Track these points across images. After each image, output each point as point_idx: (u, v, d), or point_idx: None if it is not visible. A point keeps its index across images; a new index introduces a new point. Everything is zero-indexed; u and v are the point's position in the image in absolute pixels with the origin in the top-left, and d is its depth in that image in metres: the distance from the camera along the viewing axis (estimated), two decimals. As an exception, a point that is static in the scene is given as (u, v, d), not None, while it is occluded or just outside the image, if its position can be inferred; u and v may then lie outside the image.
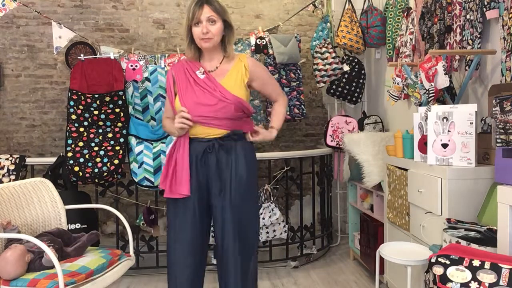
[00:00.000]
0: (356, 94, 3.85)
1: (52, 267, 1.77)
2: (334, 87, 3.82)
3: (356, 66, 3.81)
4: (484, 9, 2.17)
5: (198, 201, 1.89)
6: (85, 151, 3.20)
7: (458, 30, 2.40)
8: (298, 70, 3.90)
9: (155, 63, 3.54)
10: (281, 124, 2.06)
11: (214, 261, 2.02)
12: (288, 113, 3.87)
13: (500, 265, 1.33)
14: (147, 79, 3.33)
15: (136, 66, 3.37)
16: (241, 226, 1.89)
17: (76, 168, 3.12)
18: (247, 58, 1.99)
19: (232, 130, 1.89)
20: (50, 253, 1.75)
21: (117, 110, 3.30)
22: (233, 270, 1.89)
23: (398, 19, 3.34)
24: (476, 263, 1.37)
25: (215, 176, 1.88)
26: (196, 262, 1.91)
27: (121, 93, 3.29)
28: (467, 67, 2.40)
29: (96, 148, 3.23)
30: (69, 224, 2.95)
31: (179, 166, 1.87)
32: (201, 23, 1.81)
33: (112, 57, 3.38)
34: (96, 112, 3.29)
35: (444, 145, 2.03)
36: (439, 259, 1.43)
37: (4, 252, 1.83)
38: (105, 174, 3.13)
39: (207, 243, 2.00)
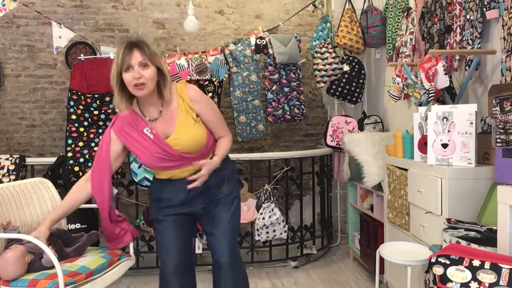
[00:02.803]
0: (356, 94, 3.85)
1: (52, 267, 1.77)
2: (334, 87, 3.82)
3: (356, 66, 3.81)
4: (484, 9, 2.17)
5: (185, 219, 1.94)
6: (85, 151, 3.20)
7: (458, 30, 2.40)
8: (298, 70, 3.90)
9: (155, 63, 3.54)
10: (224, 153, 1.90)
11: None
12: (288, 113, 3.87)
13: (500, 265, 1.33)
14: (147, 79, 3.33)
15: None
16: (232, 222, 1.93)
17: (76, 168, 3.12)
18: (187, 91, 1.82)
19: (208, 157, 1.89)
20: (50, 254, 1.74)
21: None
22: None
23: (398, 19, 3.34)
24: (476, 263, 1.37)
25: (205, 203, 1.90)
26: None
27: (121, 93, 3.29)
28: (467, 67, 2.40)
29: (96, 148, 3.23)
30: (69, 224, 2.96)
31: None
32: (132, 68, 1.67)
33: (112, 57, 3.38)
34: (96, 112, 3.29)
35: (444, 145, 2.02)
36: (439, 259, 1.44)
37: (4, 253, 1.83)
38: (105, 174, 3.13)
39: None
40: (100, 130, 3.32)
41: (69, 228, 2.89)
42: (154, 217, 1.94)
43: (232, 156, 2.71)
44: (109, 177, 1.87)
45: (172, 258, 1.87)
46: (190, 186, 1.79)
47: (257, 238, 3.29)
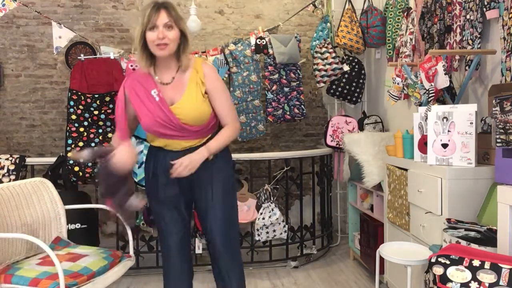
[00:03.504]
0: (356, 94, 3.85)
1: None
2: (334, 87, 3.82)
3: (356, 66, 3.81)
4: (484, 9, 2.18)
5: (183, 203, 1.93)
6: (85, 151, 3.21)
7: (458, 30, 2.40)
8: (298, 70, 3.90)
9: (155, 63, 3.54)
10: (216, 146, 1.84)
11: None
12: (288, 113, 3.87)
13: (500, 265, 1.33)
14: (147, 79, 3.33)
15: (136, 66, 3.37)
16: (226, 217, 1.92)
17: (76, 168, 3.12)
18: (203, 66, 1.85)
19: (206, 136, 1.87)
20: (53, 256, 1.75)
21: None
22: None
23: (398, 19, 3.35)
24: (476, 263, 1.37)
25: (196, 181, 1.87)
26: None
27: (121, 93, 3.29)
28: (467, 67, 2.40)
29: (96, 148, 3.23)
30: (69, 224, 2.95)
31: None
32: (157, 28, 1.71)
33: (112, 57, 3.39)
34: (96, 112, 3.29)
35: (444, 145, 2.03)
36: (439, 259, 1.44)
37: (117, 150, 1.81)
38: (105, 174, 3.13)
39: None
40: (100, 130, 3.32)
41: (69, 228, 2.89)
42: (152, 198, 1.93)
43: (232, 156, 2.70)
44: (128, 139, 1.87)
45: (172, 236, 1.90)
46: (172, 176, 1.76)
47: (257, 238, 3.29)
